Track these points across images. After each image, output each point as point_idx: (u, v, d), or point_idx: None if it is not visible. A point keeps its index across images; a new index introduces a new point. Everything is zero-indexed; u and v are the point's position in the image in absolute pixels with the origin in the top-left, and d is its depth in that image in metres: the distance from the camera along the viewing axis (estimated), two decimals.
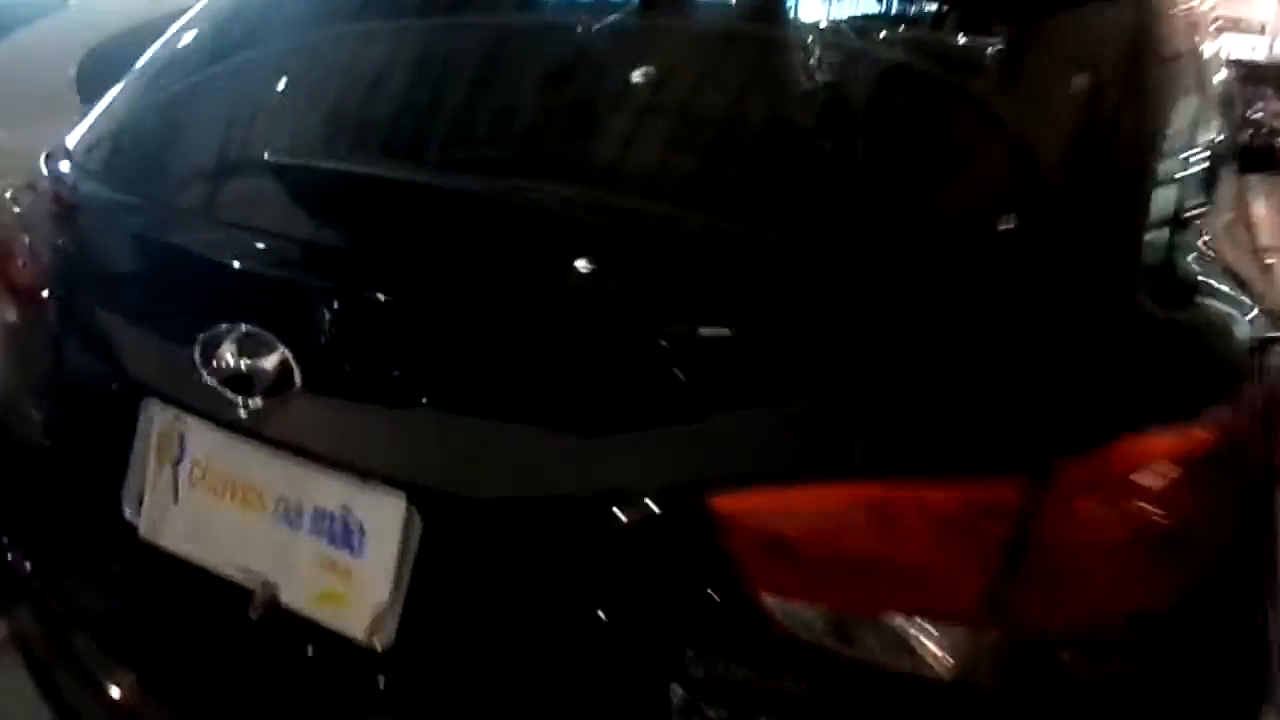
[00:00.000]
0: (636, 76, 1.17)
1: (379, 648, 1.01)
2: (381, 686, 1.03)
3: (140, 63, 1.52)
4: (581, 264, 1.01)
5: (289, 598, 1.06)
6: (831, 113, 1.09)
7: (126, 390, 1.18)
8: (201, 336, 1.05)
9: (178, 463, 1.14)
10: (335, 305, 1.03)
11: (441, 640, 1.02)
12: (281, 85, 1.39)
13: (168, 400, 1.15)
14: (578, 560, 0.95)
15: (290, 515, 1.08)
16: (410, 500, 1.00)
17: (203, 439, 1.13)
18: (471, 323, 0.99)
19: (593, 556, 0.94)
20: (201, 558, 1.12)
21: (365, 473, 1.03)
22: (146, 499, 1.16)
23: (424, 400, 1.00)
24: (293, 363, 1.01)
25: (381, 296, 1.01)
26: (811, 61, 1.10)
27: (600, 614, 0.94)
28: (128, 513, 1.18)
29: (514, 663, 0.99)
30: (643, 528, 0.91)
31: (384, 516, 1.02)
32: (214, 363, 1.04)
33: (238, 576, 1.09)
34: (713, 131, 1.14)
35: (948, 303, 0.93)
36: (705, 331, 0.93)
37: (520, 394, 0.97)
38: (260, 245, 1.12)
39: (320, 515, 1.06)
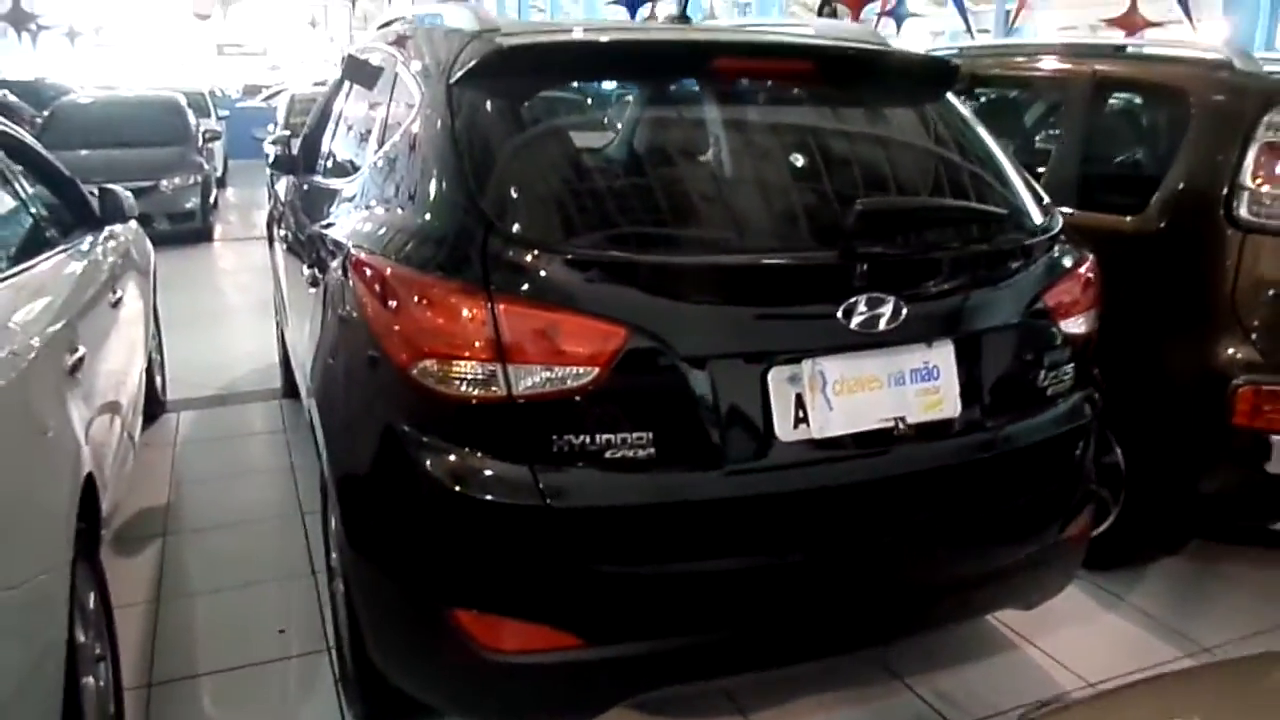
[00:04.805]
0: None
1: (957, 413, 2.12)
2: (958, 429, 2.14)
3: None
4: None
5: (911, 418, 2.08)
6: None
7: (754, 369, 1.96)
8: (843, 306, 1.95)
9: (823, 388, 2.00)
10: (913, 270, 2.07)
11: (978, 398, 2.16)
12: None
13: (799, 359, 1.97)
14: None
15: (898, 379, 2.07)
16: (955, 342, 2.09)
17: (835, 368, 2.01)
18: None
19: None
20: (856, 428, 2.03)
21: (932, 340, 2.08)
22: (811, 415, 1.99)
23: (962, 296, 2.12)
24: (895, 305, 1.98)
25: (930, 262, 2.12)
26: None
27: None
28: (780, 435, 1.98)
29: (1016, 400, 2.22)
30: None
31: (945, 355, 2.11)
32: (852, 316, 1.95)
33: (882, 424, 2.05)
34: None
35: None
36: None
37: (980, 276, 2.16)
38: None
39: (914, 372, 2.09)
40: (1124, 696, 1.40)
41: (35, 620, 1.78)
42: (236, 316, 7.16)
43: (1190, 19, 11.50)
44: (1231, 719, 1.28)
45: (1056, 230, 2.34)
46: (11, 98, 14.01)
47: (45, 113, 10.88)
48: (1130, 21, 12.73)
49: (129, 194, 3.74)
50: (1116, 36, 12.26)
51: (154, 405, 4.48)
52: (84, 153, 8.91)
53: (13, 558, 1.73)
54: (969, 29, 14.55)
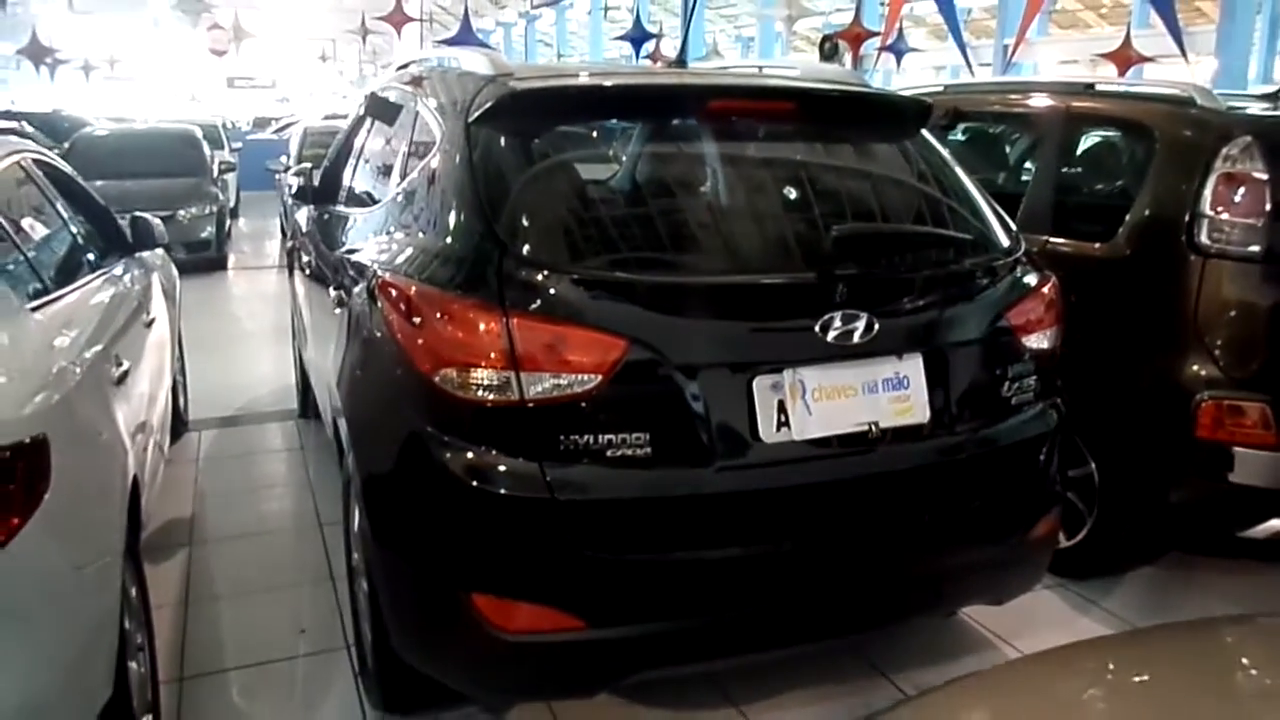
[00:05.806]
0: None
1: (925, 420, 2.32)
2: (928, 433, 2.33)
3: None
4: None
5: (884, 423, 2.28)
6: None
7: (740, 378, 2.18)
8: (820, 321, 2.17)
9: (803, 395, 2.21)
10: (885, 289, 2.31)
11: (946, 406, 2.36)
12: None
13: (780, 369, 2.19)
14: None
15: (871, 388, 2.29)
16: (923, 355, 2.30)
17: (813, 377, 2.22)
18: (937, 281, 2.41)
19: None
20: (833, 431, 2.24)
21: (903, 353, 2.28)
22: (791, 419, 2.19)
23: (930, 313, 2.35)
24: (868, 320, 2.20)
25: (901, 282, 2.37)
26: None
27: None
28: (764, 436, 2.19)
29: (982, 407, 2.43)
30: None
31: (914, 366, 2.32)
32: (829, 331, 2.18)
33: (858, 428, 2.25)
34: None
35: None
36: None
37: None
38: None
39: (886, 381, 2.30)
40: (1072, 652, 1.51)
41: (97, 598, 1.99)
42: (252, 341, 7.39)
43: (1184, 54, 11.78)
44: (1179, 676, 1.39)
45: (1019, 254, 2.56)
46: (29, 129, 14.34)
47: (65, 144, 11.17)
48: (1123, 56, 13.04)
49: (159, 222, 3.97)
50: (1112, 71, 12.60)
51: (178, 424, 4.68)
52: (103, 183, 9.15)
53: (84, 542, 1.96)
54: (968, 64, 14.88)
